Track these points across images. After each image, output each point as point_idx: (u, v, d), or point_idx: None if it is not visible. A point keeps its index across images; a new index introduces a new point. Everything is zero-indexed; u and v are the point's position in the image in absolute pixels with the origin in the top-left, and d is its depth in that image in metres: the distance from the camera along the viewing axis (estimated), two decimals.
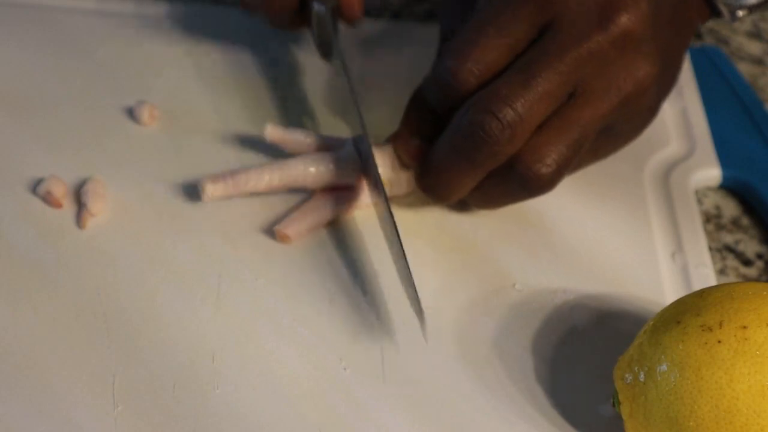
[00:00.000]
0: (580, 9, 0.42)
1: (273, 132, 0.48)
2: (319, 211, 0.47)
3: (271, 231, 0.47)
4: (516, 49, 0.42)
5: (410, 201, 0.49)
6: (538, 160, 0.42)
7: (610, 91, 0.42)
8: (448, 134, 0.43)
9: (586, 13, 0.42)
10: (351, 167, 0.47)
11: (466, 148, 0.42)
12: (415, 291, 0.41)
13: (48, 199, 0.47)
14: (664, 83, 0.46)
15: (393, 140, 0.47)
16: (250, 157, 0.50)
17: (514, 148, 0.42)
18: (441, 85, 0.43)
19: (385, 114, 0.54)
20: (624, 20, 0.41)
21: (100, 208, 0.46)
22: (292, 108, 0.54)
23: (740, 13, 0.47)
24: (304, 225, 0.46)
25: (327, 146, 0.48)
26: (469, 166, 0.43)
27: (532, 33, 0.42)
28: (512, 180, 0.43)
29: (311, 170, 0.47)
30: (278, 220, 0.47)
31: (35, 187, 0.47)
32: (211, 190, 0.46)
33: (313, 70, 0.57)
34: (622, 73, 0.42)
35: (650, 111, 0.46)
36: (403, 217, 0.48)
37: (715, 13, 0.48)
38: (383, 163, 0.47)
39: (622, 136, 0.46)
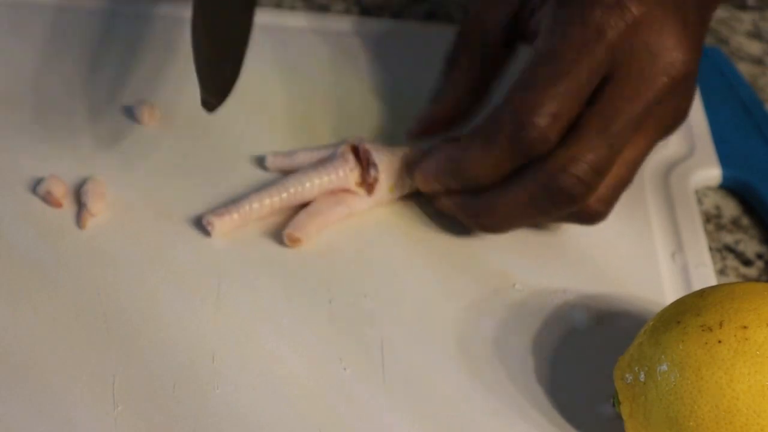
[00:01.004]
0: (647, 56, 0.42)
1: (274, 162, 0.49)
2: (326, 212, 0.47)
3: (271, 232, 0.47)
4: (586, 96, 0.43)
5: (410, 201, 0.49)
6: (601, 203, 0.44)
7: (666, 125, 0.44)
8: (526, 187, 0.43)
9: (653, 60, 0.42)
10: (347, 172, 0.47)
11: (546, 204, 0.43)
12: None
13: (48, 199, 0.47)
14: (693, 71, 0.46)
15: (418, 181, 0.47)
16: (251, 157, 0.50)
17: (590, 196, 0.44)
18: (516, 142, 0.42)
19: (385, 114, 0.54)
20: (685, 66, 0.42)
21: (100, 208, 0.46)
22: (293, 107, 0.54)
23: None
24: (313, 227, 0.46)
25: (330, 156, 0.48)
26: (542, 217, 0.44)
27: (599, 78, 0.43)
28: (570, 217, 0.45)
29: (307, 185, 0.47)
30: (277, 220, 0.47)
31: (35, 187, 0.47)
32: (218, 225, 0.46)
33: (314, 68, 0.57)
34: (672, 106, 0.44)
35: (683, 118, 0.46)
36: (403, 217, 0.48)
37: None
38: (387, 167, 0.47)
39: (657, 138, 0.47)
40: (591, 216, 0.45)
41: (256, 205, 0.46)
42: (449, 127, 0.50)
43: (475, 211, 0.45)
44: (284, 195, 0.47)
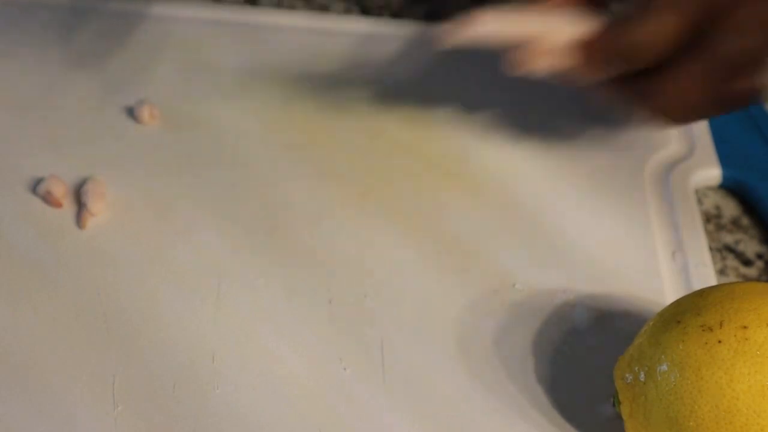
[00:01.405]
0: None
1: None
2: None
3: (271, 232, 0.47)
4: None
5: (408, 202, 0.49)
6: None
7: None
8: (699, 57, 0.43)
9: None
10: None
11: (720, 72, 0.43)
12: None
13: (48, 199, 0.47)
14: None
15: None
16: (251, 156, 0.50)
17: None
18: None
19: (386, 114, 0.54)
20: None
21: (100, 208, 0.46)
22: (293, 107, 0.54)
23: None
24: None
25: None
26: (716, 87, 0.44)
27: None
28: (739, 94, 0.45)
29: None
30: (276, 220, 0.47)
31: (35, 187, 0.47)
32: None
33: (314, 68, 0.57)
34: None
35: None
36: (404, 217, 0.48)
37: None
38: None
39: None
40: (754, 93, 0.44)
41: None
42: None
43: (649, 92, 0.45)
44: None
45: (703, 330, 0.36)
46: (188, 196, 0.48)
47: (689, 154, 0.54)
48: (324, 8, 0.63)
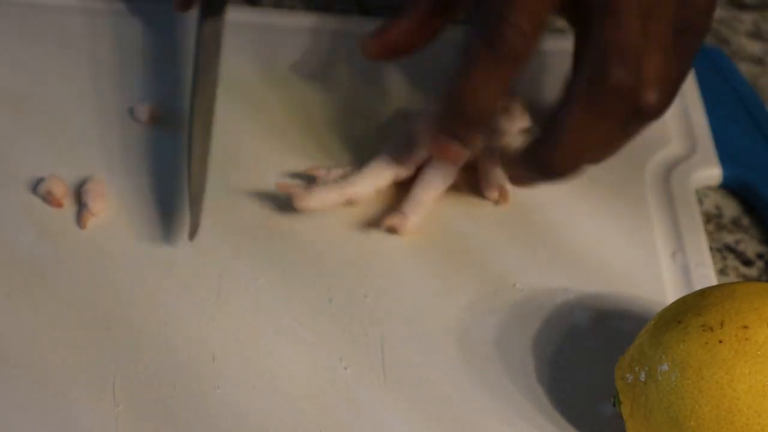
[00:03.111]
0: None
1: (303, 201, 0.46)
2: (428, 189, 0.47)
3: (271, 232, 0.46)
4: None
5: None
6: (648, 88, 0.41)
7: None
8: (575, 99, 0.42)
9: None
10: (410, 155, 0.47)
11: (603, 105, 0.41)
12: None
13: (48, 199, 0.47)
14: None
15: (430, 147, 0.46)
16: (251, 156, 0.50)
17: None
18: (505, 38, 0.41)
19: (386, 114, 0.54)
20: None
21: (100, 208, 0.46)
22: (293, 107, 0.54)
23: None
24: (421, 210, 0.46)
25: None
26: (604, 121, 0.42)
27: None
28: (634, 120, 0.43)
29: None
30: (277, 220, 0.47)
31: (35, 186, 0.47)
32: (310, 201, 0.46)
33: (314, 68, 0.57)
34: None
35: (708, 10, 0.44)
36: None
37: None
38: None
39: (701, 32, 0.45)
40: (651, 109, 0.42)
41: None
42: (413, 45, 0.47)
43: (538, 152, 0.43)
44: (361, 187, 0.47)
45: (704, 330, 0.36)
46: (188, 196, 0.48)
47: (689, 154, 0.54)
48: (324, 8, 0.63)
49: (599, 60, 0.41)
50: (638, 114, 0.42)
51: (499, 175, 0.48)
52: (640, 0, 0.41)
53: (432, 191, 0.47)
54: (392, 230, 0.46)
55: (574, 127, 0.42)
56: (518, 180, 0.47)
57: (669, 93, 0.43)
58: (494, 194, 0.48)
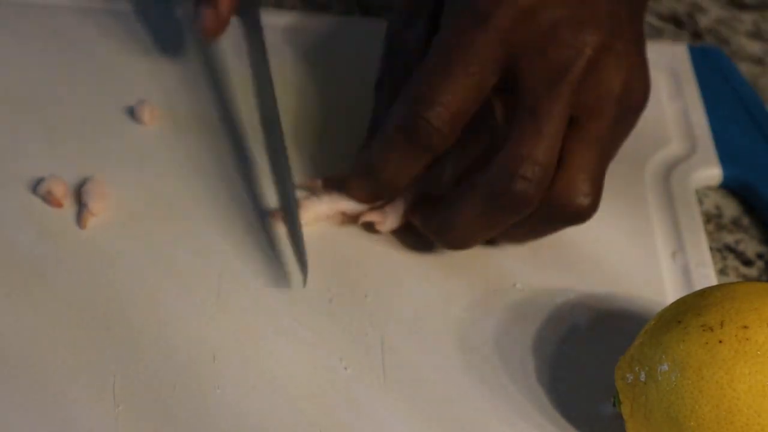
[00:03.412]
0: (546, 36, 0.41)
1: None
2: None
3: (271, 231, 0.47)
4: (486, 88, 0.42)
5: None
6: (579, 193, 0.42)
7: (605, 101, 0.42)
8: (469, 201, 0.42)
9: (552, 38, 0.41)
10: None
11: (501, 213, 0.42)
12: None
13: (48, 199, 0.47)
14: (645, 67, 0.45)
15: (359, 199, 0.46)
16: (251, 157, 0.50)
17: (543, 196, 0.41)
18: (412, 138, 0.42)
19: None
20: (591, 37, 0.41)
21: (100, 208, 0.46)
22: (293, 107, 0.54)
23: None
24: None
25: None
26: (499, 225, 0.43)
27: (498, 69, 0.41)
28: (554, 218, 0.43)
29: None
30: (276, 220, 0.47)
31: (36, 186, 0.47)
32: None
33: (314, 68, 0.57)
34: (607, 81, 0.42)
35: (644, 99, 0.45)
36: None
37: None
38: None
39: (625, 129, 0.45)
40: (576, 212, 0.42)
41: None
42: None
43: (435, 227, 0.44)
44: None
45: (704, 330, 0.36)
46: (189, 196, 0.48)
47: (689, 154, 0.54)
48: (324, 8, 0.63)
49: (507, 167, 0.40)
50: (564, 218, 0.42)
51: (397, 207, 0.46)
52: (570, 104, 0.41)
53: (411, 195, 0.47)
54: (370, 227, 0.46)
55: (468, 218, 0.42)
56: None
57: (594, 193, 0.42)
58: (370, 217, 0.46)
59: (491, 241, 0.46)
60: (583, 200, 0.42)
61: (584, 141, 0.42)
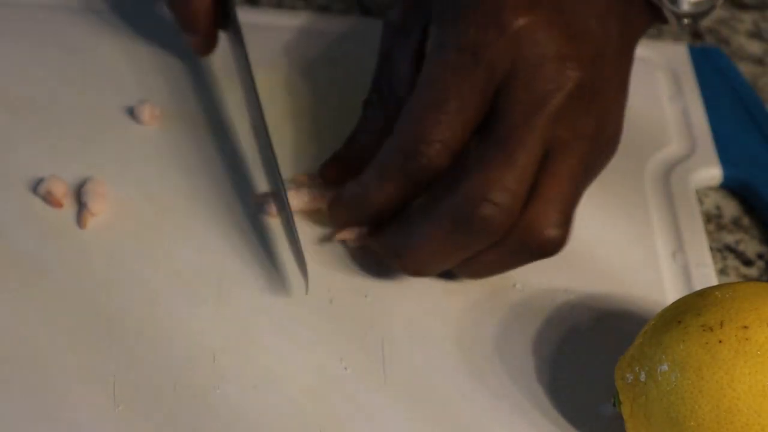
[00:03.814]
0: (531, 69, 0.41)
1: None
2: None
3: (271, 231, 0.47)
4: (476, 119, 0.42)
5: None
6: (547, 225, 0.41)
7: (580, 137, 0.42)
8: (434, 225, 0.41)
9: (537, 71, 0.41)
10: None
11: (464, 239, 0.41)
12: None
13: (48, 199, 0.47)
14: (620, 107, 0.45)
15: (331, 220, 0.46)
16: (251, 156, 0.50)
17: (511, 225, 0.41)
18: (406, 171, 0.42)
19: None
20: (575, 73, 0.41)
21: (100, 208, 0.46)
22: (293, 107, 0.54)
23: (685, 19, 0.46)
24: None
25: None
26: (462, 251, 0.42)
27: (488, 100, 0.42)
28: (522, 250, 0.42)
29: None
30: (276, 220, 0.47)
31: (36, 186, 0.47)
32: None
33: (314, 68, 0.57)
34: (583, 118, 0.42)
35: (616, 138, 0.45)
36: None
37: (658, 19, 0.46)
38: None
39: (595, 170, 0.45)
40: (545, 244, 0.41)
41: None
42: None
43: (396, 251, 0.43)
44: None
45: (704, 330, 0.36)
46: (188, 196, 0.48)
47: (690, 154, 0.54)
48: (324, 8, 0.63)
49: (475, 191, 0.40)
50: (533, 251, 0.42)
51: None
52: (546, 137, 0.41)
53: None
54: (344, 242, 0.46)
55: (430, 241, 0.42)
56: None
57: (563, 225, 0.42)
58: (342, 235, 0.46)
59: (450, 275, 0.45)
60: (552, 232, 0.41)
61: (556, 175, 0.41)
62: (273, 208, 0.47)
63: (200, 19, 0.51)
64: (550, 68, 0.41)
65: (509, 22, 0.41)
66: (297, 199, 0.47)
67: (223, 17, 0.52)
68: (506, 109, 0.41)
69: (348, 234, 0.46)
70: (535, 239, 0.41)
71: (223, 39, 0.53)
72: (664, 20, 0.46)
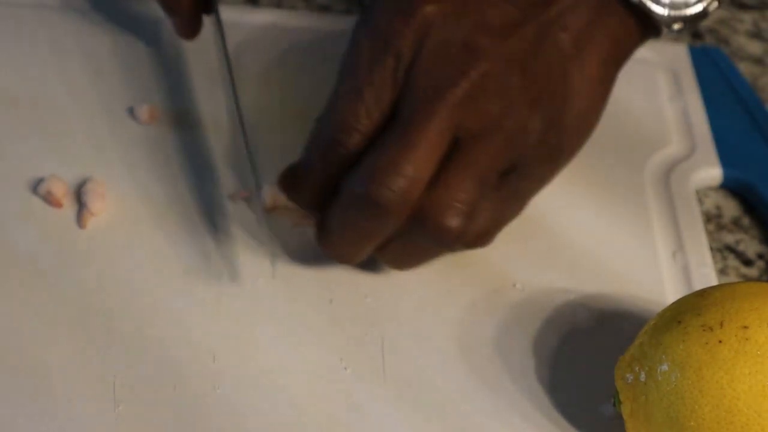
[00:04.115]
0: (438, 55, 0.41)
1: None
2: None
3: (273, 232, 0.47)
4: (386, 104, 0.41)
5: None
6: (444, 212, 0.40)
7: (490, 129, 0.41)
8: (340, 207, 0.41)
9: (444, 58, 0.41)
10: None
11: (362, 222, 0.41)
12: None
13: (48, 199, 0.47)
14: (568, 115, 0.43)
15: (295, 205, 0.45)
16: (251, 155, 0.50)
17: (411, 210, 0.40)
18: (326, 155, 0.42)
19: None
20: (484, 62, 0.41)
21: (100, 208, 0.46)
22: (293, 107, 0.54)
23: (676, 26, 0.46)
24: None
25: None
26: (366, 236, 0.42)
27: (398, 85, 0.41)
28: (421, 237, 0.41)
29: None
30: (276, 220, 0.47)
31: (36, 186, 0.47)
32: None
33: (314, 69, 0.57)
34: (495, 110, 0.41)
35: (557, 144, 0.44)
36: None
37: (650, 31, 0.46)
38: None
39: (533, 174, 0.44)
40: (445, 232, 0.40)
41: None
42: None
43: (319, 236, 0.43)
44: None
45: (704, 330, 0.36)
46: (188, 196, 0.48)
47: (690, 154, 0.54)
48: (324, 8, 0.63)
49: (369, 174, 0.40)
50: (435, 239, 0.41)
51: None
52: (450, 124, 0.40)
53: None
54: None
55: (336, 226, 0.42)
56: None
57: (468, 219, 0.41)
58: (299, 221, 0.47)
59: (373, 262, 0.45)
60: (450, 221, 0.40)
61: (460, 163, 0.41)
62: (259, 205, 0.47)
63: (182, 2, 0.51)
64: (454, 55, 0.41)
65: (417, 10, 0.41)
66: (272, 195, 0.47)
67: (206, 2, 0.52)
68: (409, 94, 0.41)
69: (305, 220, 0.46)
70: (429, 227, 0.40)
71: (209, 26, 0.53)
72: (657, 32, 0.45)
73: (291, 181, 0.44)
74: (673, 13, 0.45)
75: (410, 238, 0.42)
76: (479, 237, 0.42)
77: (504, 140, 0.41)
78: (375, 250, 0.43)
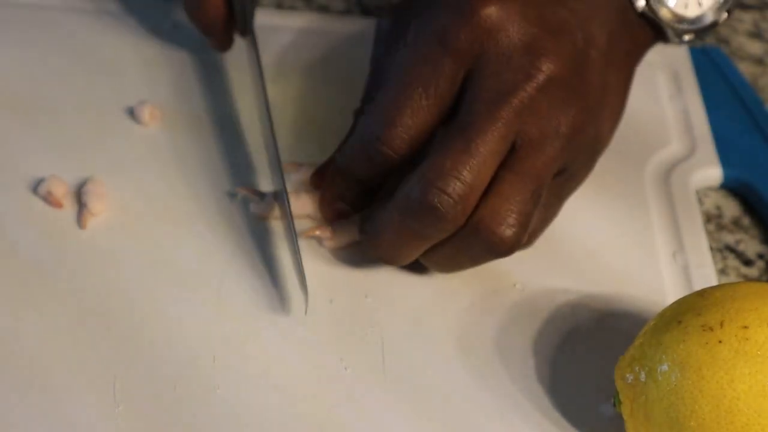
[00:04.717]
0: (501, 58, 0.41)
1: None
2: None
3: (271, 231, 0.47)
4: (443, 106, 0.41)
5: None
6: (501, 222, 0.40)
7: (549, 136, 0.41)
8: (393, 210, 0.41)
9: (507, 61, 0.40)
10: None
11: (416, 225, 0.40)
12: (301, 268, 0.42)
13: (49, 199, 0.47)
14: (605, 115, 0.44)
15: (319, 205, 0.46)
16: (251, 157, 0.50)
17: (466, 218, 0.40)
18: (370, 154, 0.42)
19: None
20: (548, 66, 0.40)
21: (100, 208, 0.46)
22: (293, 108, 0.54)
23: (687, 37, 0.46)
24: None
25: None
26: (419, 240, 0.41)
27: (455, 87, 0.41)
28: (474, 245, 0.41)
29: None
30: (276, 220, 0.47)
31: (36, 187, 0.47)
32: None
33: (314, 69, 0.57)
34: (555, 116, 0.41)
35: (597, 144, 0.44)
36: None
37: (661, 38, 0.47)
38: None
39: (576, 175, 0.45)
40: (497, 243, 0.40)
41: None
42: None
43: (367, 237, 0.43)
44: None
45: (704, 330, 0.36)
46: (188, 197, 0.48)
47: (690, 154, 0.54)
48: (324, 8, 0.63)
49: (426, 178, 0.39)
50: (485, 247, 0.41)
51: (345, 227, 0.46)
52: (510, 130, 0.40)
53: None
54: (318, 240, 0.46)
55: (386, 229, 0.41)
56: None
57: (522, 229, 0.41)
58: (317, 232, 0.46)
59: (421, 267, 0.45)
60: (505, 231, 0.40)
61: (518, 172, 0.40)
62: (261, 208, 0.47)
63: (217, 26, 0.52)
64: (520, 59, 0.40)
65: (478, 11, 0.41)
66: (298, 205, 0.47)
67: (242, 24, 0.53)
68: (471, 97, 0.40)
69: (323, 232, 0.46)
70: (484, 236, 0.40)
71: (238, 42, 0.54)
72: (665, 38, 0.46)
73: (328, 179, 0.44)
74: (686, 26, 0.45)
75: (462, 243, 0.41)
76: (527, 242, 0.42)
77: (561, 146, 0.41)
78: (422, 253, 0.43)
